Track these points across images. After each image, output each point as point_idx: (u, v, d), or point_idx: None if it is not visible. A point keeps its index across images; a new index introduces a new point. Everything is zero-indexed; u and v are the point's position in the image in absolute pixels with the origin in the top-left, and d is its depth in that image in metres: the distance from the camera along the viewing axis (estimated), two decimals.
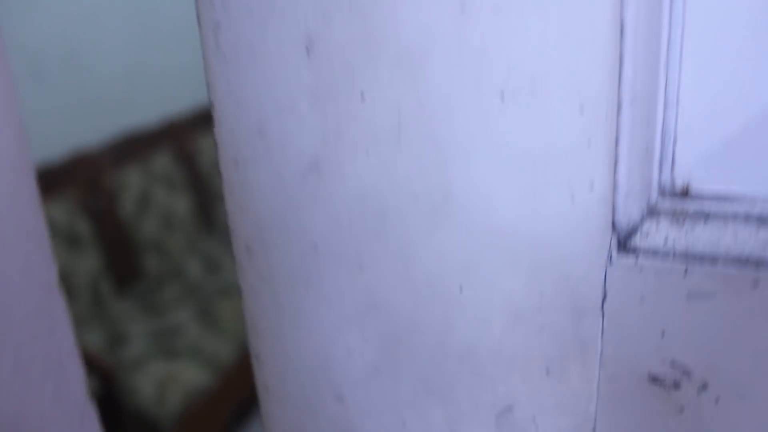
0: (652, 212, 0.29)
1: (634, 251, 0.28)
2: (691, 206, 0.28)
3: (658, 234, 0.28)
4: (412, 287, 0.32)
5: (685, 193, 0.29)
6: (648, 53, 0.27)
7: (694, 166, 0.28)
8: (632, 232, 0.28)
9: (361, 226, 0.32)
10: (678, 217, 0.28)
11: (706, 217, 0.28)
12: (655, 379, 0.29)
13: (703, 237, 0.28)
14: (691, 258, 0.27)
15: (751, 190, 0.28)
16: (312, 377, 0.36)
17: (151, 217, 2.30)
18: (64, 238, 1.95)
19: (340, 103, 0.30)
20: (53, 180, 2.00)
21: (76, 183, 2.08)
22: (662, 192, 0.29)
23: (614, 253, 0.28)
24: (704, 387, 0.28)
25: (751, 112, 0.27)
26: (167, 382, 1.79)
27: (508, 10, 0.26)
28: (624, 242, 0.28)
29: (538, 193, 0.28)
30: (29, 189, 0.38)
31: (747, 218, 0.28)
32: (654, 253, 0.28)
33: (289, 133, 0.32)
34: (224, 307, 2.10)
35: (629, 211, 0.28)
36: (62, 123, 2.14)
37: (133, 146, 2.33)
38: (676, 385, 0.29)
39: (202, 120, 2.68)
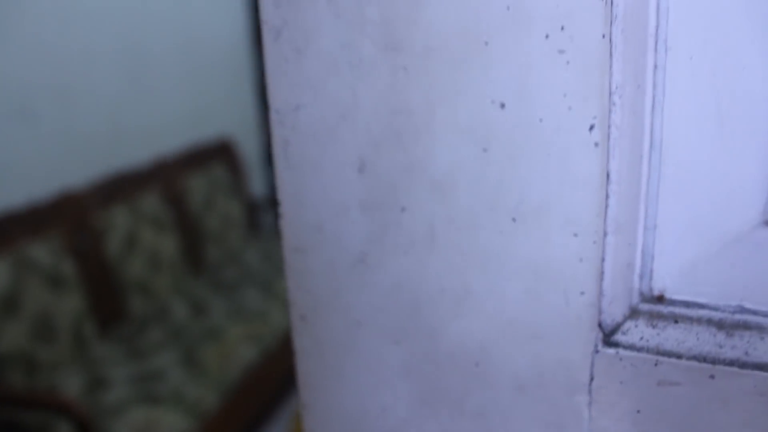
0: (632, 314, 0.36)
1: (616, 345, 0.35)
2: (664, 310, 0.36)
3: (635, 332, 0.35)
4: (437, 360, 0.39)
5: (659, 299, 0.36)
6: (630, 193, 0.34)
7: (668, 279, 0.36)
8: (615, 330, 0.36)
9: (398, 309, 0.39)
10: (653, 319, 0.36)
11: (675, 320, 0.35)
12: None
13: (672, 336, 0.35)
14: (661, 352, 0.35)
15: (712, 301, 0.35)
16: (352, 427, 0.44)
17: (138, 258, 2.28)
18: (47, 279, 1.93)
19: (384, 212, 0.38)
20: (38, 220, 2.00)
21: (62, 223, 2.07)
22: (641, 298, 0.36)
23: (599, 345, 0.35)
24: None
25: (714, 239, 0.35)
26: (147, 429, 1.74)
27: (520, 156, 0.34)
28: (607, 337, 0.35)
29: (540, 295, 0.36)
30: None
31: (708, 323, 0.35)
32: (631, 347, 0.35)
33: (341, 232, 0.40)
34: (209, 352, 2.04)
35: (613, 313, 0.35)
36: (50, 162, 2.14)
37: (121, 186, 2.34)
38: None
39: (191, 160, 2.71)
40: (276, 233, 2.94)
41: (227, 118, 3.11)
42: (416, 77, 0.37)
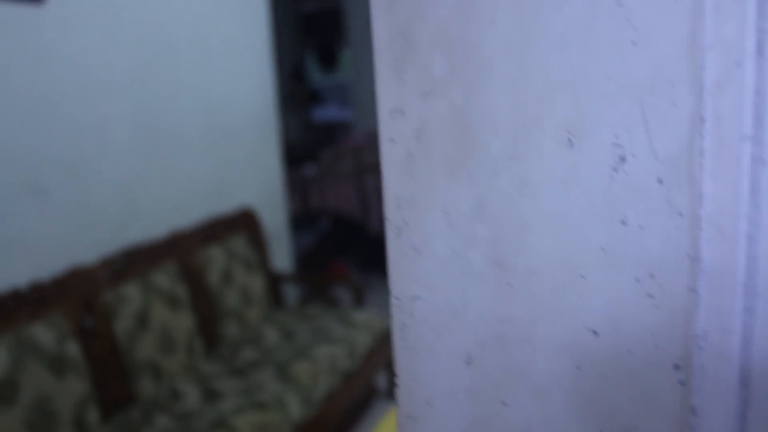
0: None
1: None
2: None
3: None
4: None
5: None
6: (716, 428, 0.42)
7: None
8: None
9: None
10: None
11: None
12: None
13: None
14: None
15: None
16: None
17: (149, 337, 2.25)
18: (49, 361, 1.90)
19: (487, 403, 0.46)
20: (43, 297, 1.98)
21: (69, 301, 2.05)
22: None
23: None
24: None
25: None
26: None
27: (611, 379, 0.42)
28: None
29: None
30: None
31: None
32: None
33: (449, 410, 0.47)
34: None
35: None
36: (60, 238, 2.12)
37: (134, 261, 2.33)
38: None
39: (210, 233, 2.76)
40: (298, 309, 3.02)
41: (249, 188, 3.20)
42: (520, 293, 0.45)
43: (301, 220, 5.18)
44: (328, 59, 7.90)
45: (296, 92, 8.09)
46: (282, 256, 3.49)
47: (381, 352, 2.81)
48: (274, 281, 3.15)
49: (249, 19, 3.19)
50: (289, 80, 8.07)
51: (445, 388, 0.47)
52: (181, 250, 2.60)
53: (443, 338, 0.47)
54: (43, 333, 1.94)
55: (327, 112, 8.27)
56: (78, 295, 2.12)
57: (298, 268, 5.24)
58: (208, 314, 2.67)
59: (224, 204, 2.97)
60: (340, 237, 5.55)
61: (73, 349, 2.02)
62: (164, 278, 2.43)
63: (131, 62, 2.39)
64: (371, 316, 2.85)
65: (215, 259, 2.74)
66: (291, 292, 3.31)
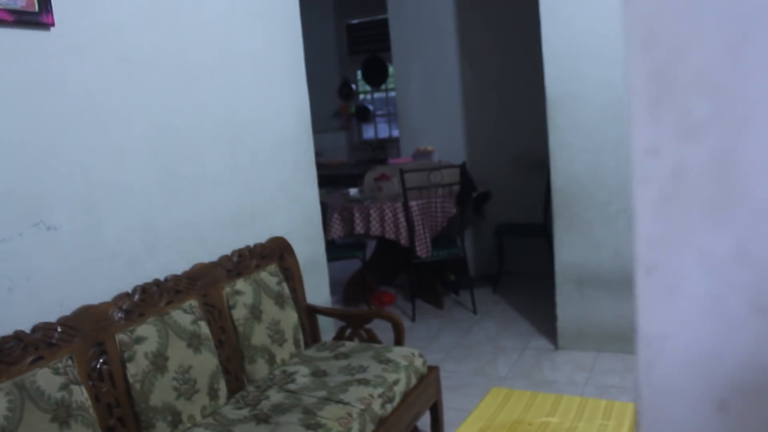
0: None
1: None
2: None
3: None
4: None
5: None
6: None
7: None
8: None
9: None
10: None
11: None
12: None
13: None
14: None
15: None
16: None
17: (166, 381, 2.16)
18: (53, 408, 1.82)
19: None
20: (50, 340, 1.90)
21: (78, 343, 1.97)
22: None
23: None
24: None
25: None
26: None
27: None
28: None
29: None
30: None
31: None
32: None
33: None
34: None
35: None
36: (71, 279, 2.04)
37: (151, 298, 2.25)
38: None
39: (237, 266, 2.65)
40: (334, 345, 2.88)
41: (281, 217, 3.08)
42: None
43: (347, 245, 5.06)
44: (376, 73, 7.80)
45: (344, 109, 8.02)
46: (318, 287, 3.37)
47: (422, 393, 2.63)
48: (309, 315, 3.02)
49: (280, 34, 3.10)
50: (336, 97, 8.01)
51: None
52: (204, 285, 2.50)
53: (694, 381, 0.46)
54: (48, 379, 1.85)
55: (377, 129, 8.17)
56: (88, 337, 2.03)
57: (343, 296, 5.12)
58: (233, 354, 2.55)
59: (253, 234, 2.86)
60: (387, 263, 5.40)
61: (80, 395, 1.92)
62: (184, 316, 2.33)
63: (146, 86, 2.31)
64: (411, 354, 2.68)
65: (242, 293, 2.62)
66: (328, 326, 3.17)
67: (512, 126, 5.33)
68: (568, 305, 3.73)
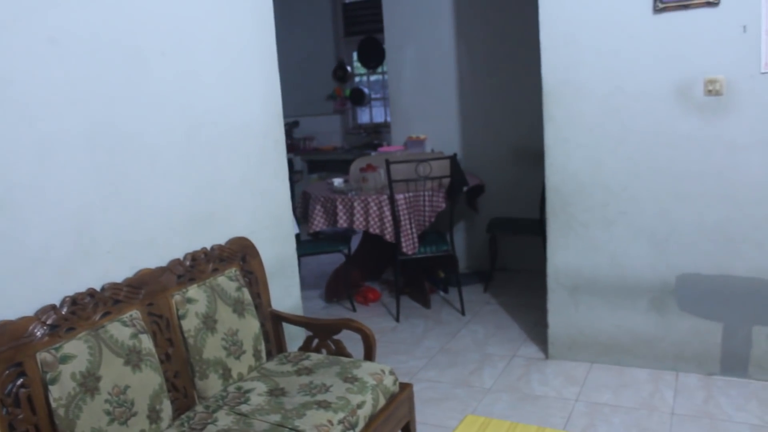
0: None
1: None
2: None
3: None
4: None
5: None
6: None
7: None
8: None
9: None
10: None
11: None
12: None
13: None
14: None
15: None
16: None
17: (96, 405, 1.94)
18: None
19: None
20: None
21: None
22: None
23: None
24: None
25: None
26: None
27: None
28: None
29: None
30: None
31: None
32: None
33: None
34: None
35: None
36: None
37: (82, 310, 2.03)
38: None
39: (186, 274, 2.41)
40: (299, 356, 2.64)
41: (244, 215, 2.83)
42: None
43: (330, 238, 4.82)
44: (373, 55, 7.52)
45: (338, 92, 7.75)
46: (287, 291, 3.13)
47: (392, 414, 2.40)
48: (274, 323, 2.79)
49: (248, 12, 2.84)
50: (331, 79, 7.74)
51: None
52: (149, 293, 2.26)
53: None
54: None
55: (373, 113, 7.90)
56: (1, 357, 1.80)
57: (324, 291, 4.89)
58: (182, 368, 2.32)
59: (211, 235, 2.62)
60: (373, 257, 5.17)
61: None
62: (123, 329, 2.09)
63: (81, 72, 2.05)
64: (381, 371, 2.45)
65: (195, 301, 2.39)
66: (298, 332, 2.93)
67: (510, 116, 5.07)
68: (560, 312, 3.49)
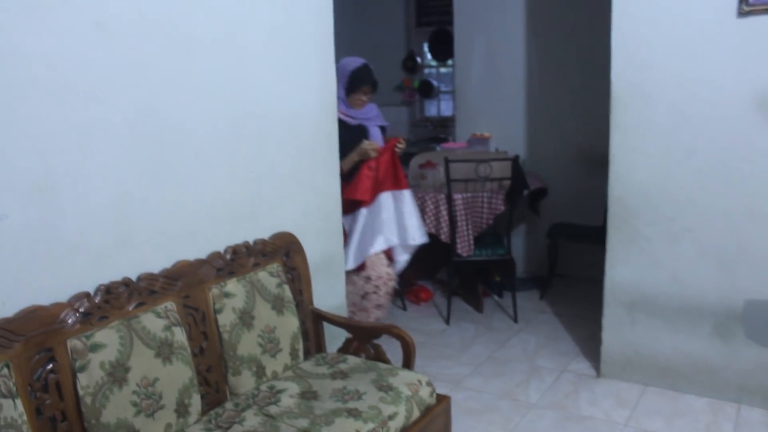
0: None
1: None
2: None
3: None
4: None
5: None
6: None
7: None
8: None
9: None
10: None
11: None
12: None
13: None
14: None
15: None
16: None
17: (124, 397, 1.91)
18: None
19: None
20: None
21: (20, 350, 1.75)
22: None
23: None
24: None
25: None
26: None
27: None
28: None
29: None
30: None
31: None
32: None
33: None
34: None
35: None
36: (18, 273, 1.81)
37: (116, 299, 2.02)
38: None
39: (225, 268, 2.38)
40: (336, 358, 2.58)
41: (292, 209, 2.78)
42: None
43: None
44: (444, 47, 7.38)
45: (407, 83, 7.65)
46: (332, 289, 3.08)
47: (426, 427, 2.32)
48: (315, 322, 2.74)
49: (306, 3, 2.78)
50: (400, 69, 7.65)
51: None
52: (186, 285, 2.24)
53: None
54: None
55: (440, 107, 7.78)
56: (32, 342, 1.80)
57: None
58: (216, 363, 2.30)
59: (255, 230, 2.58)
60: (428, 255, 5.07)
61: (12, 410, 1.68)
62: (156, 321, 2.08)
63: (126, 59, 2.03)
64: (418, 381, 2.37)
65: (232, 296, 2.36)
66: (339, 332, 2.87)
67: (579, 118, 4.88)
68: (616, 329, 3.33)
